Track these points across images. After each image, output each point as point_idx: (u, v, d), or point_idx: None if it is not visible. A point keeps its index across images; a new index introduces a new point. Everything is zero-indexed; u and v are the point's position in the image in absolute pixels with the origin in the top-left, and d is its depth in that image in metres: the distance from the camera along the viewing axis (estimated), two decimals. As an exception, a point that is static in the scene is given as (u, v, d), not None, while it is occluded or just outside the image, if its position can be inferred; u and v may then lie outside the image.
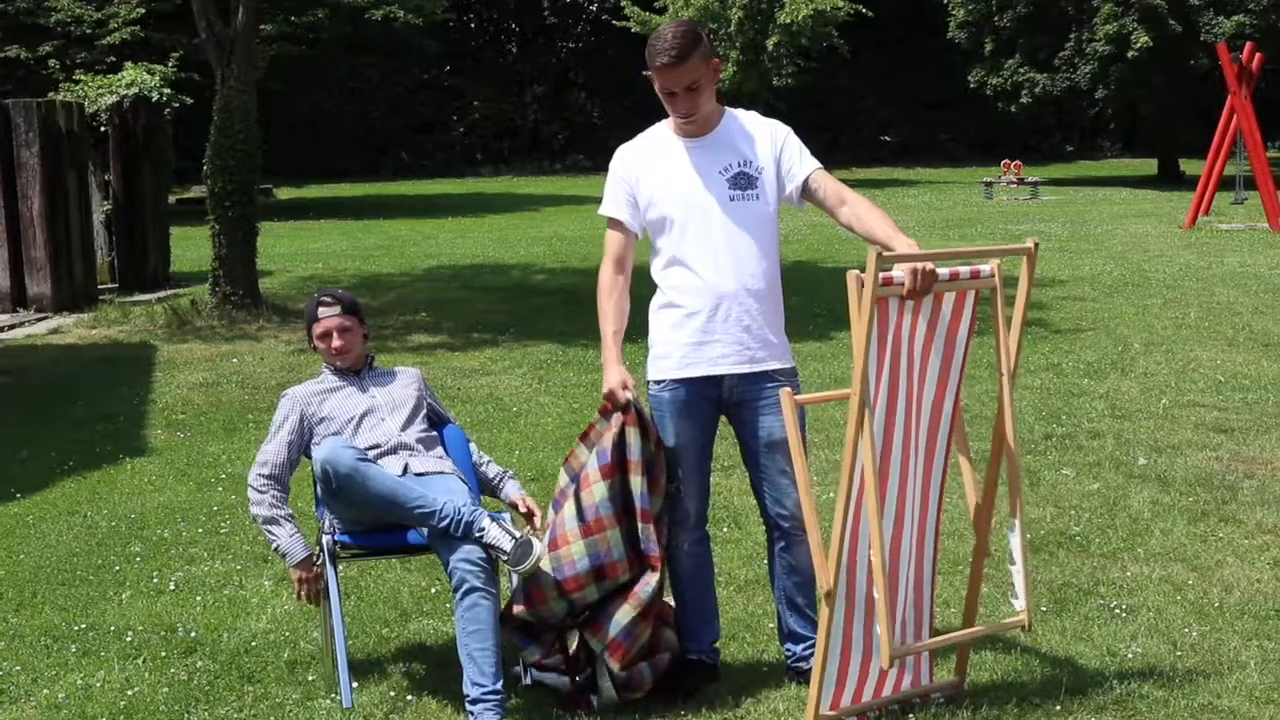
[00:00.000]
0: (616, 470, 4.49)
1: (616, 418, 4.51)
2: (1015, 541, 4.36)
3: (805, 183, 4.54)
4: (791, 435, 4.26)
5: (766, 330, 4.53)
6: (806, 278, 16.25)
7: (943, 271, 4.11)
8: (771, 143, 4.57)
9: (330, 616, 4.73)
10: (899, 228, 4.37)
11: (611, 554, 4.49)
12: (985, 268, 4.28)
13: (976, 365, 9.18)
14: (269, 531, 4.90)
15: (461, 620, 4.44)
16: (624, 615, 4.51)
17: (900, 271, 4.01)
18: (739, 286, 4.49)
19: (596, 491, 4.48)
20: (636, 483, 4.49)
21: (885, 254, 3.90)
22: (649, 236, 4.64)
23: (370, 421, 5.01)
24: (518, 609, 4.60)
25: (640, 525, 4.51)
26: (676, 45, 4.39)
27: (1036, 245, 4.43)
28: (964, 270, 4.21)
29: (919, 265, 4.01)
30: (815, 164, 4.59)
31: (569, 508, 4.54)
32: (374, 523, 4.74)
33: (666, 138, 4.62)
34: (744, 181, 4.50)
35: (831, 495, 6.98)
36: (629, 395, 4.48)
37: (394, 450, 4.91)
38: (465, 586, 4.43)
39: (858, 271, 3.93)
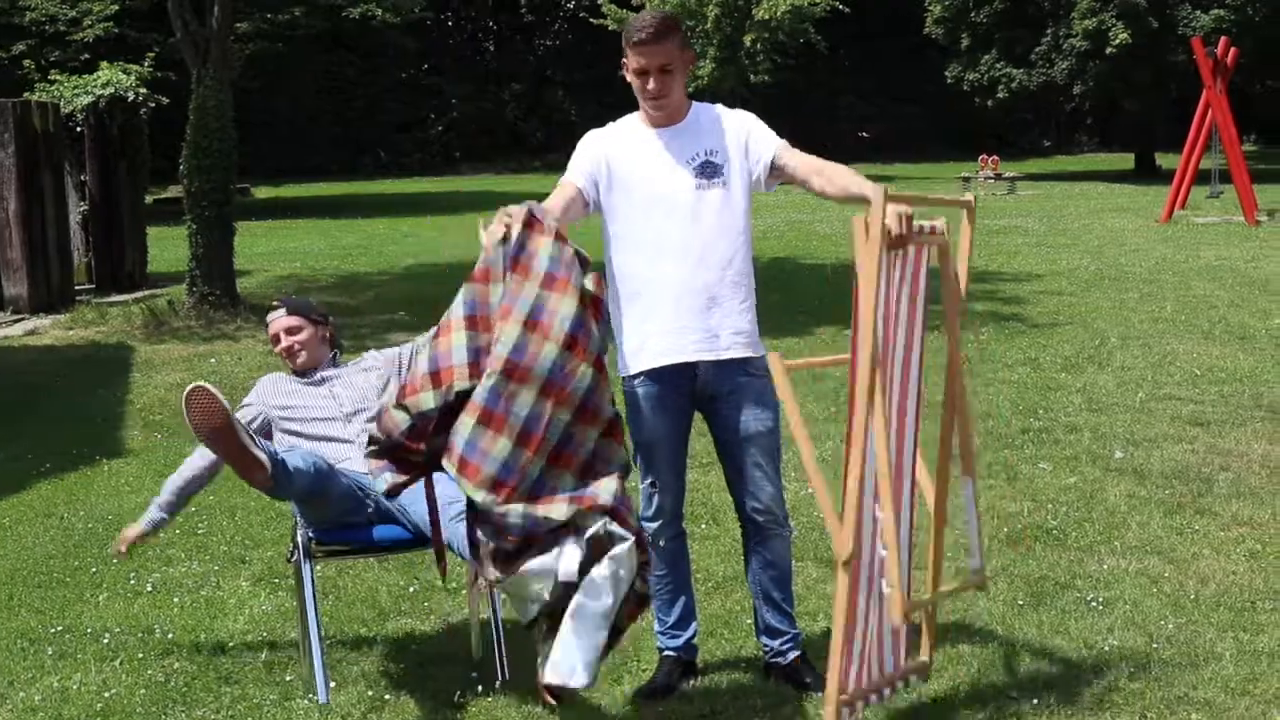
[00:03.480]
0: (513, 272, 4.06)
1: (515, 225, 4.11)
2: (969, 499, 4.31)
3: (773, 161, 4.54)
4: (786, 397, 4.24)
5: (735, 318, 4.52)
6: (786, 275, 16.26)
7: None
8: (738, 130, 4.58)
9: (305, 612, 4.72)
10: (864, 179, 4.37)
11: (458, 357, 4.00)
12: (938, 223, 4.27)
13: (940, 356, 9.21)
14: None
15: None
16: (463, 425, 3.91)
17: (889, 218, 4.02)
18: (707, 275, 4.49)
19: (484, 290, 4.07)
20: (530, 290, 4.01)
21: (892, 194, 3.92)
22: (612, 226, 4.61)
23: (329, 421, 5.06)
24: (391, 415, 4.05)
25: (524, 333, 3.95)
26: (655, 24, 4.44)
27: (975, 199, 4.50)
28: (924, 225, 4.22)
29: (903, 210, 4.04)
30: (780, 140, 4.60)
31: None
32: (338, 521, 4.77)
33: (636, 127, 4.63)
34: (710, 170, 4.50)
35: (811, 490, 7.00)
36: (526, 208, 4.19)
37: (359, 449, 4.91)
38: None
39: (863, 217, 3.93)
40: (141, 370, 11.50)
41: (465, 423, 3.91)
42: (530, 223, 4.10)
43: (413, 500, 4.62)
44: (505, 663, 4.78)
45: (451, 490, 4.37)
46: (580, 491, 3.96)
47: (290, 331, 5.26)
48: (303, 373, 5.25)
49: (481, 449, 3.88)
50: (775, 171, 4.57)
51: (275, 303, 5.45)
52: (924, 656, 4.58)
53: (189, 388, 4.32)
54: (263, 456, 4.37)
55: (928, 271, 4.25)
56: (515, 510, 3.88)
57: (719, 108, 4.70)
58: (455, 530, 4.41)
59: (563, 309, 3.97)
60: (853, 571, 4.11)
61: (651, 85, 4.47)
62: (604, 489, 3.98)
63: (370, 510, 4.81)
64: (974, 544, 4.35)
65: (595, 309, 4.08)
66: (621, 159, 4.57)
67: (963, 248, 4.39)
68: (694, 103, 4.66)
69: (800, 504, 6.63)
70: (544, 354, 3.92)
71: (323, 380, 5.19)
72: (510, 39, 53.66)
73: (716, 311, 4.50)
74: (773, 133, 4.62)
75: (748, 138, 4.57)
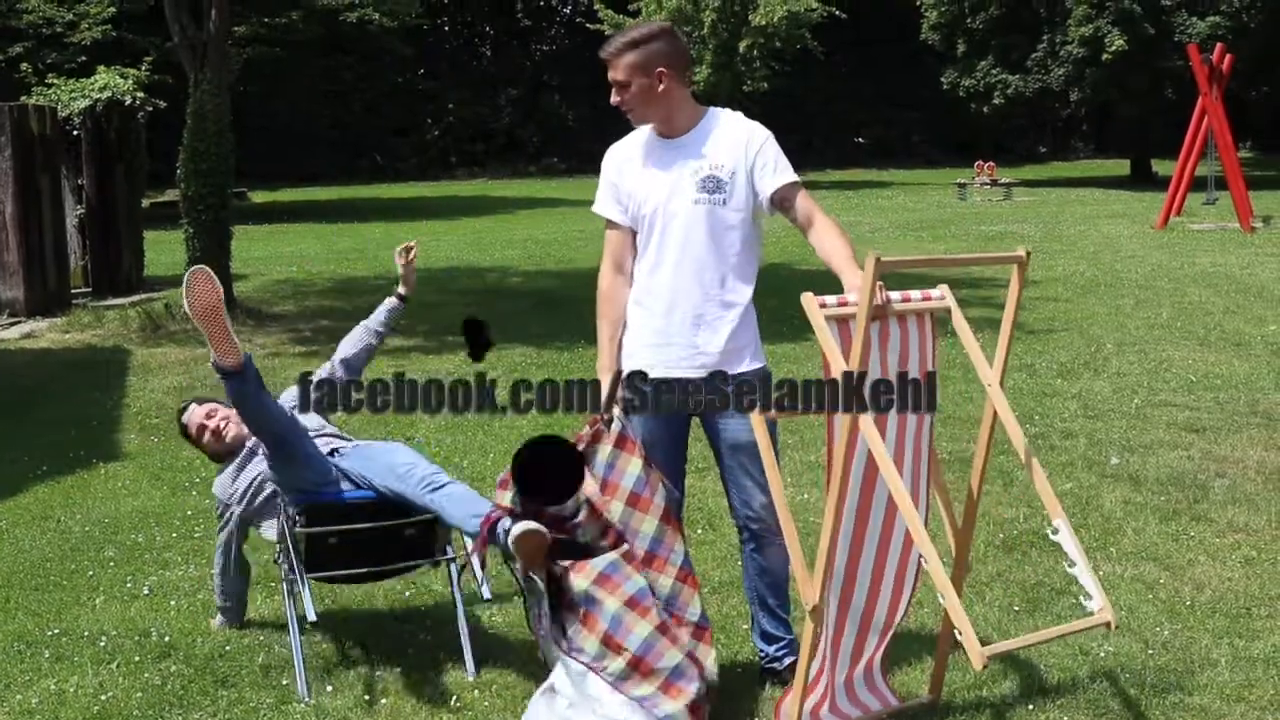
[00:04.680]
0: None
1: (590, 432, 4.56)
2: (1067, 543, 4.22)
3: (772, 196, 4.52)
4: (764, 448, 4.24)
5: (725, 336, 4.52)
6: (781, 280, 16.24)
7: (895, 295, 4.08)
8: (746, 147, 4.53)
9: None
10: (853, 258, 4.32)
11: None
12: (935, 292, 4.23)
13: (949, 366, 9.22)
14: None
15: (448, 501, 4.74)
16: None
17: (853, 294, 4.02)
18: (697, 290, 4.49)
19: None
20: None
21: (884, 259, 3.82)
22: None
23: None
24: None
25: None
26: (616, 42, 4.52)
27: (1029, 254, 4.35)
28: (915, 294, 4.17)
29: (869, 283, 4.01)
30: (787, 178, 4.52)
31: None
32: (311, 487, 4.98)
33: (648, 138, 4.64)
34: (712, 185, 4.49)
35: (804, 497, 7.01)
36: (610, 417, 4.52)
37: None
38: (434, 484, 4.79)
39: (812, 294, 3.94)
40: (138, 374, 11.50)
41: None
42: (621, 442, 4.51)
43: (375, 471, 4.94)
44: (473, 659, 4.92)
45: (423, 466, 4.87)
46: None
47: (210, 415, 5.49)
48: (233, 452, 5.43)
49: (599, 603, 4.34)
50: (775, 205, 4.55)
51: (181, 404, 5.74)
52: (930, 695, 4.57)
53: (192, 269, 4.77)
54: (239, 347, 4.76)
55: (931, 339, 4.21)
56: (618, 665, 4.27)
57: (734, 118, 4.64)
58: (435, 501, 4.76)
59: (644, 527, 4.48)
60: (821, 616, 4.13)
61: (613, 97, 4.55)
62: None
63: (336, 476, 5.03)
64: (1089, 584, 4.20)
65: (676, 527, 4.55)
66: (630, 170, 4.60)
67: (1009, 304, 4.31)
68: (711, 110, 4.64)
69: (797, 509, 6.63)
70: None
71: (251, 454, 5.37)
72: (506, 44, 53.71)
73: (704, 330, 4.51)
74: (786, 166, 4.55)
75: (756, 160, 4.52)
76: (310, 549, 4.93)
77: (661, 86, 4.50)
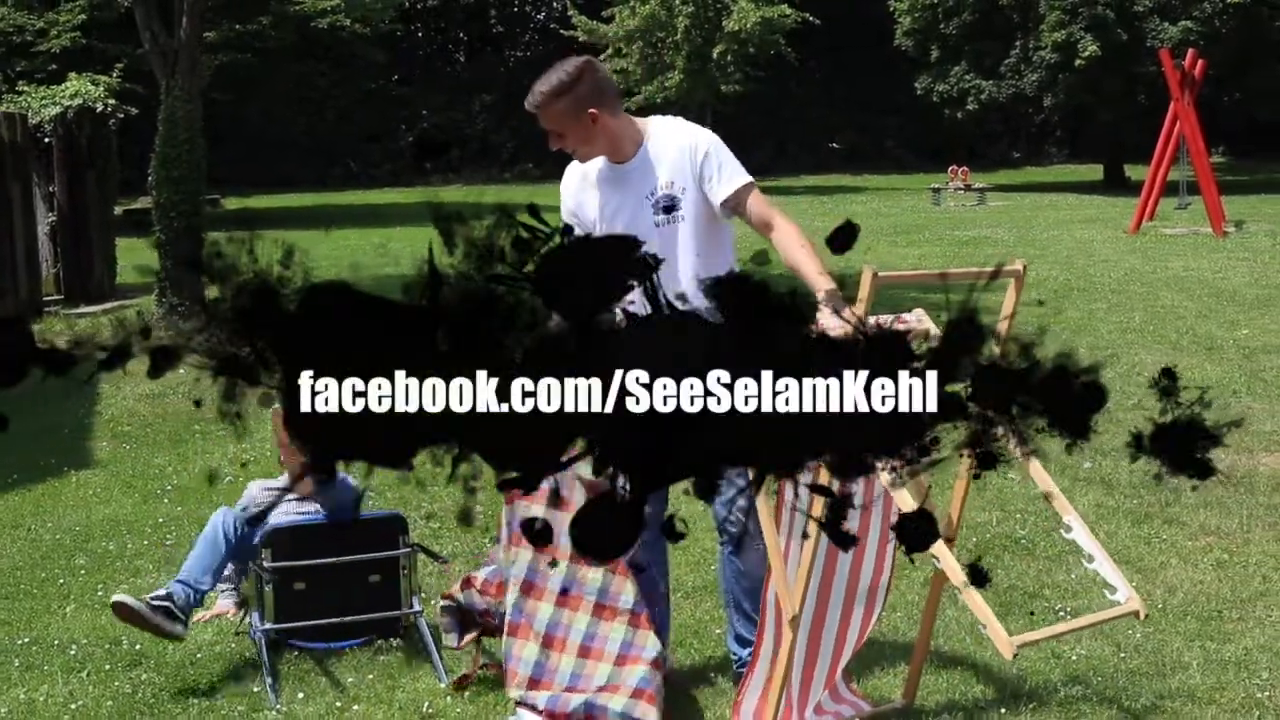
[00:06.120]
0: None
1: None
2: (1082, 539, 4.18)
3: (724, 204, 4.46)
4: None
5: None
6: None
7: (869, 321, 4.02)
8: (692, 158, 4.46)
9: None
10: (823, 269, 4.25)
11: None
12: (911, 316, 4.19)
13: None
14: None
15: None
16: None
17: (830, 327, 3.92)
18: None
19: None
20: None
21: (882, 274, 3.74)
22: None
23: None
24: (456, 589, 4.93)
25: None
26: (537, 94, 4.37)
27: (1026, 267, 4.33)
28: (888, 318, 4.11)
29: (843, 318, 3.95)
30: (737, 182, 4.46)
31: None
32: None
33: (602, 162, 4.57)
34: (669, 204, 4.45)
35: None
36: None
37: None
38: None
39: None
40: (110, 382, 11.43)
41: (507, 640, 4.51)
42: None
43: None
44: (443, 666, 4.95)
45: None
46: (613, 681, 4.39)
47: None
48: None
49: (515, 656, 4.47)
50: (729, 212, 4.52)
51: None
52: (903, 699, 4.57)
53: (114, 601, 5.01)
54: (175, 628, 4.99)
55: None
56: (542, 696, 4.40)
57: (676, 129, 4.56)
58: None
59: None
60: (776, 626, 4.13)
61: (551, 144, 4.49)
62: (633, 674, 4.38)
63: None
64: (1110, 576, 4.15)
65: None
66: (587, 200, 4.57)
67: (1004, 318, 4.25)
68: (652, 125, 4.57)
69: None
70: (555, 572, 4.52)
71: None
72: (480, 50, 53.64)
73: None
74: (734, 170, 4.48)
75: (703, 172, 4.46)
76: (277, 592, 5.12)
77: (597, 125, 4.44)
